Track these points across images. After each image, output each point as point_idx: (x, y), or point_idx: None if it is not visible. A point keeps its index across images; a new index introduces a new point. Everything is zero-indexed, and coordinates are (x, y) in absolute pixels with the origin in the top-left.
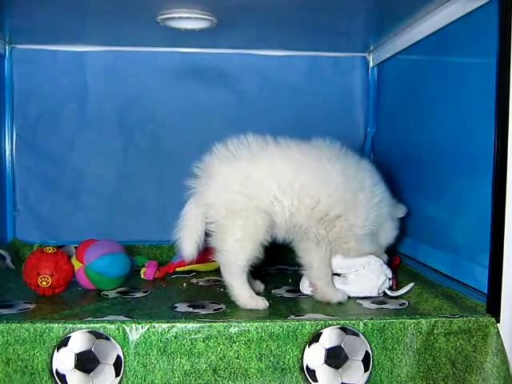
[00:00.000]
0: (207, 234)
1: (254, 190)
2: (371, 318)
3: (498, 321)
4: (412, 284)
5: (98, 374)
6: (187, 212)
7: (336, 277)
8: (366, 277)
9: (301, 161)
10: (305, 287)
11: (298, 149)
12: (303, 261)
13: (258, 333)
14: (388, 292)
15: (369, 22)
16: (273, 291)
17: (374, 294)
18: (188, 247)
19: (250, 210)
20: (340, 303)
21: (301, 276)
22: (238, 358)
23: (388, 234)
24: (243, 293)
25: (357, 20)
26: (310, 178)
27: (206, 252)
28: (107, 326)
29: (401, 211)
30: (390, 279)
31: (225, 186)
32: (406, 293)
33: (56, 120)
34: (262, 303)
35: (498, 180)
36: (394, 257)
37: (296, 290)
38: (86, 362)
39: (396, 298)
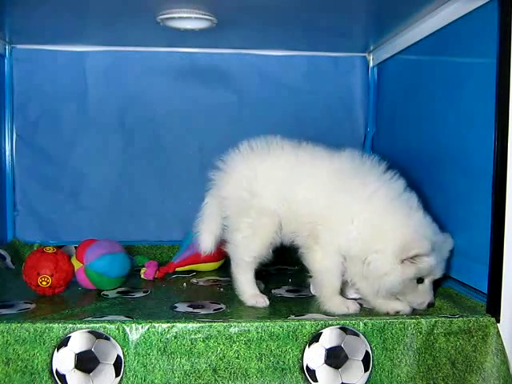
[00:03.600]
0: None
1: (261, 190)
2: (371, 318)
3: (498, 321)
4: None
5: (98, 373)
6: (205, 204)
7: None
8: None
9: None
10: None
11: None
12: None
13: (258, 333)
14: None
15: (369, 22)
16: (273, 291)
17: None
18: (205, 241)
19: (257, 209)
20: None
21: (301, 276)
22: (237, 358)
23: None
24: (247, 289)
25: (357, 20)
26: None
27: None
28: (107, 325)
29: None
30: None
31: (236, 183)
32: None
33: (56, 120)
34: (261, 301)
35: (498, 180)
36: None
37: (296, 289)
38: (86, 362)
39: None
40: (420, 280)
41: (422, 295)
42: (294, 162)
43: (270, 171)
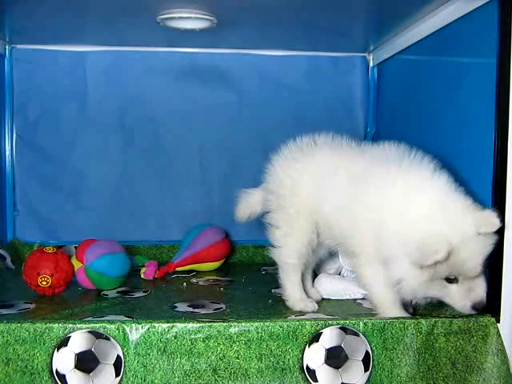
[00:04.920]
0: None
1: (300, 190)
2: (371, 318)
3: (498, 321)
4: None
5: (97, 373)
6: (255, 190)
7: (350, 277)
8: None
9: None
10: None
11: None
12: None
13: (258, 333)
14: None
15: (369, 22)
16: (273, 291)
17: None
18: (241, 210)
19: (295, 208)
20: (340, 303)
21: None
22: (238, 358)
23: None
24: (293, 293)
25: (357, 20)
26: None
27: (205, 252)
28: (107, 326)
29: None
30: None
31: (280, 181)
32: None
33: (56, 120)
34: (310, 305)
35: (498, 180)
36: None
37: None
38: (86, 362)
39: None
40: (452, 280)
41: (461, 297)
42: (325, 163)
43: (307, 171)
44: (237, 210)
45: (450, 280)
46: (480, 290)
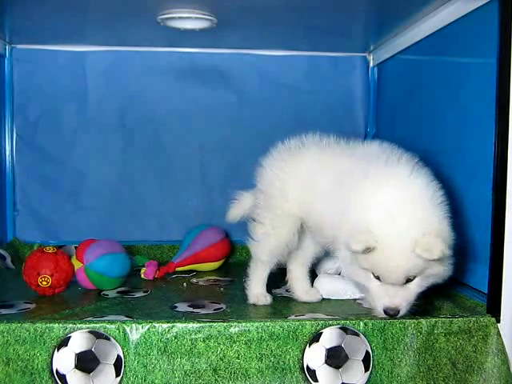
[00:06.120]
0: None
1: (287, 192)
2: (371, 318)
3: (499, 321)
4: None
5: (98, 373)
6: (249, 193)
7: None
8: None
9: None
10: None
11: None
12: None
13: (258, 333)
14: None
15: (369, 22)
16: (273, 291)
17: None
18: (233, 211)
19: (283, 209)
20: (340, 303)
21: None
22: (238, 358)
23: None
24: (253, 287)
25: (357, 20)
26: None
27: (205, 252)
28: (107, 326)
29: None
30: None
31: (270, 180)
32: None
33: (56, 120)
34: (263, 300)
35: (498, 180)
36: None
37: None
38: (87, 362)
39: None
40: (377, 276)
41: (378, 296)
42: (314, 165)
43: (294, 174)
44: (228, 213)
45: (375, 276)
46: (397, 300)
